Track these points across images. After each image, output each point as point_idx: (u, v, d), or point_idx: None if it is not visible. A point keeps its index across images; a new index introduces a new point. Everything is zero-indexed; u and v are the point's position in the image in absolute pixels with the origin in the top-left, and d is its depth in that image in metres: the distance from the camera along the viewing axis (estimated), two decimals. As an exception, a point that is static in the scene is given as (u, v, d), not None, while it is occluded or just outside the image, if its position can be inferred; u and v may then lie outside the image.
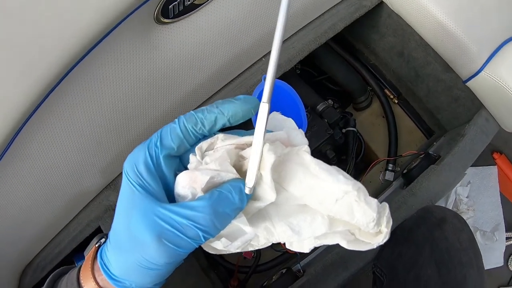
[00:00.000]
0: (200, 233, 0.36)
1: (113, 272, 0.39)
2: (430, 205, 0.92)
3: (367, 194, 0.36)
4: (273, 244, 0.42)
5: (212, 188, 0.37)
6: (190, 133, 0.38)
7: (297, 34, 1.00)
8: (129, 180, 0.37)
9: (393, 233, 0.88)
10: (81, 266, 0.44)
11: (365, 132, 1.31)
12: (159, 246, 0.35)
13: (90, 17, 0.51)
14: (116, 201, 0.87)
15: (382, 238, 0.37)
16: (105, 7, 0.52)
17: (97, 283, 0.41)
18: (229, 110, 0.38)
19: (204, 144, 0.39)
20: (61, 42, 0.51)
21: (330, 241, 0.39)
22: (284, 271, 1.02)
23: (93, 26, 0.53)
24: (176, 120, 0.38)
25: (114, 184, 0.92)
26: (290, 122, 0.43)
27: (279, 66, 0.92)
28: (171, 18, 0.66)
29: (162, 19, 0.65)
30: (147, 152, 0.37)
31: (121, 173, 0.90)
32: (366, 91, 1.32)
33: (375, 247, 0.38)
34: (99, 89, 0.67)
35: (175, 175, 0.39)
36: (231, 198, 0.37)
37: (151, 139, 0.38)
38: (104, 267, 0.40)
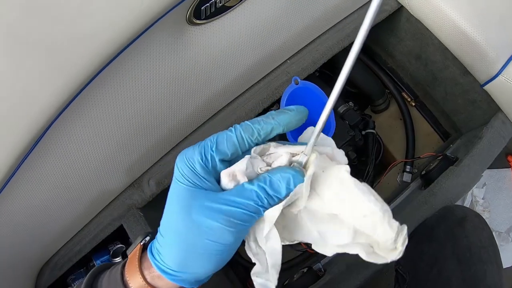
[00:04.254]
0: (261, 209, 0.40)
1: (170, 266, 0.42)
2: (451, 204, 0.93)
3: (391, 216, 0.41)
4: (293, 244, 0.47)
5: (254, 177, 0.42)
6: (246, 142, 0.42)
7: (320, 37, 1.01)
8: (187, 179, 0.41)
9: (415, 231, 0.90)
10: (124, 263, 0.47)
11: (383, 134, 1.33)
12: (229, 226, 0.39)
13: (125, 18, 0.53)
14: (140, 200, 0.89)
15: (396, 254, 0.41)
16: (140, 8, 0.53)
17: (145, 279, 0.44)
18: (284, 120, 0.42)
19: (258, 149, 0.43)
20: (95, 42, 0.53)
21: (352, 250, 0.43)
22: (305, 270, 1.04)
23: (127, 27, 0.54)
24: (232, 128, 0.42)
25: (137, 183, 0.93)
26: (330, 141, 0.47)
27: (303, 68, 0.95)
28: (203, 20, 0.68)
29: (194, 20, 0.66)
30: (203, 155, 0.41)
31: (145, 172, 0.92)
32: (384, 94, 1.33)
33: (389, 261, 0.42)
34: (129, 89, 0.69)
35: None
36: (278, 174, 0.41)
37: (206, 143, 0.42)
38: (158, 263, 0.43)
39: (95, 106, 0.66)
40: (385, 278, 0.97)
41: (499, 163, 1.53)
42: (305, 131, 0.48)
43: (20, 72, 0.52)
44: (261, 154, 0.44)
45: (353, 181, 0.41)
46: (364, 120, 1.19)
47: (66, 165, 0.72)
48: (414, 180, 1.19)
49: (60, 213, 0.82)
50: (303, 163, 0.42)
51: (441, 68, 1.13)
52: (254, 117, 0.44)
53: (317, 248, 0.45)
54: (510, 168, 1.53)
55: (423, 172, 1.11)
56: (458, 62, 1.04)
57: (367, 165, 1.16)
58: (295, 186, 0.41)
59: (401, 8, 1.08)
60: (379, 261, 0.42)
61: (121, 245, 1.13)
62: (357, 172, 1.21)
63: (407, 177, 1.24)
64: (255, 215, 0.41)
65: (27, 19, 0.49)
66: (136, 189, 0.93)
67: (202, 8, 0.65)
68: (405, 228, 0.41)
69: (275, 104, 1.07)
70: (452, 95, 1.17)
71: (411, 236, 0.90)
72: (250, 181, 0.41)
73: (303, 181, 0.41)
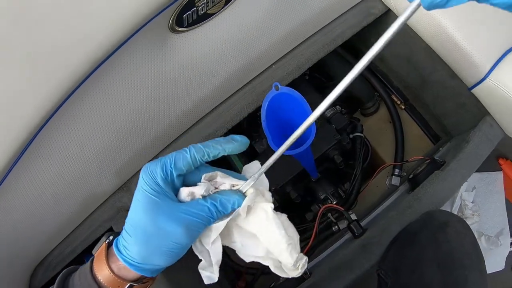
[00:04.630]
0: (211, 219, 0.51)
1: (135, 259, 0.50)
2: (434, 209, 0.93)
3: (295, 249, 0.53)
4: None
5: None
6: (197, 160, 0.51)
7: (306, 41, 1.02)
8: (151, 189, 0.50)
9: (398, 236, 0.90)
10: (92, 259, 0.54)
11: (372, 137, 1.33)
12: (187, 231, 0.49)
13: (109, 26, 0.54)
14: (129, 203, 0.90)
15: (296, 273, 0.54)
16: (123, 17, 0.54)
17: (112, 271, 0.52)
18: (229, 148, 0.53)
19: (207, 175, 0.54)
20: (81, 49, 0.54)
21: (264, 262, 0.56)
22: (291, 272, 1.04)
23: (112, 35, 0.55)
24: (187, 149, 0.51)
25: (127, 186, 0.94)
26: (266, 182, 0.59)
27: (288, 73, 0.95)
28: (185, 27, 0.69)
29: (176, 28, 0.67)
30: (164, 171, 0.50)
31: (134, 175, 0.93)
32: (374, 97, 1.33)
33: (290, 277, 0.56)
34: (114, 96, 0.70)
35: (178, 189, 0.54)
36: (226, 197, 0.52)
37: (166, 160, 0.51)
38: (124, 257, 0.51)
39: (84, 110, 0.68)
40: (368, 282, 0.97)
41: (490, 166, 1.52)
42: (251, 164, 0.59)
43: (9, 77, 0.53)
44: (209, 180, 0.54)
45: (273, 215, 0.53)
46: (352, 123, 1.19)
47: (57, 166, 0.74)
48: (403, 184, 1.19)
49: (51, 215, 0.84)
50: (243, 193, 0.54)
51: (430, 72, 1.13)
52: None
53: (239, 254, 0.57)
54: (501, 171, 1.53)
55: (411, 176, 1.11)
56: (446, 66, 1.04)
57: (354, 168, 1.16)
58: (238, 207, 0.52)
59: (388, 11, 1.09)
60: (283, 275, 0.56)
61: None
62: (344, 176, 1.21)
63: (395, 181, 1.24)
64: (206, 224, 0.51)
65: (15, 27, 0.50)
66: (125, 192, 0.94)
67: (184, 16, 0.66)
68: (304, 257, 0.54)
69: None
70: (441, 99, 1.17)
71: (394, 240, 0.90)
72: (204, 197, 0.52)
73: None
